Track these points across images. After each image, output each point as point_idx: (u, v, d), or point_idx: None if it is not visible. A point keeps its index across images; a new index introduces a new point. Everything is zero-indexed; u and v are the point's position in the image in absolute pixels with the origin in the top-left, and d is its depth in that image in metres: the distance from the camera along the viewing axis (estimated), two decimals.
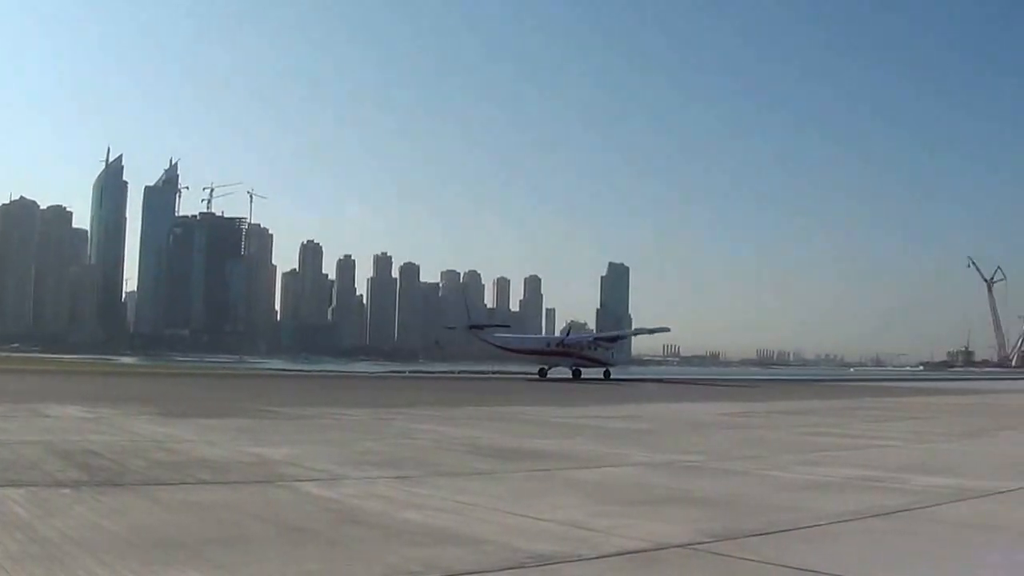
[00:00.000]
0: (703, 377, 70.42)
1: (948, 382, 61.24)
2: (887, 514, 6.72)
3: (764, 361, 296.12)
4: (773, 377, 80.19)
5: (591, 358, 53.79)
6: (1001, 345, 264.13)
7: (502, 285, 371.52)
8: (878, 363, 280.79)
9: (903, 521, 6.48)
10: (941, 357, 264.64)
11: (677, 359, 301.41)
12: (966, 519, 6.55)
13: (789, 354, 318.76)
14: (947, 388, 44.12)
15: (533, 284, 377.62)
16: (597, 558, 5.09)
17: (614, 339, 59.32)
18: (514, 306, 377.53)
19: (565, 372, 52.05)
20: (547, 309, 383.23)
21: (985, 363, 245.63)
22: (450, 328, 70.83)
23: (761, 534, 5.95)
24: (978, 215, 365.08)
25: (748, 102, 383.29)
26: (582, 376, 51.08)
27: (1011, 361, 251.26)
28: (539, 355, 54.63)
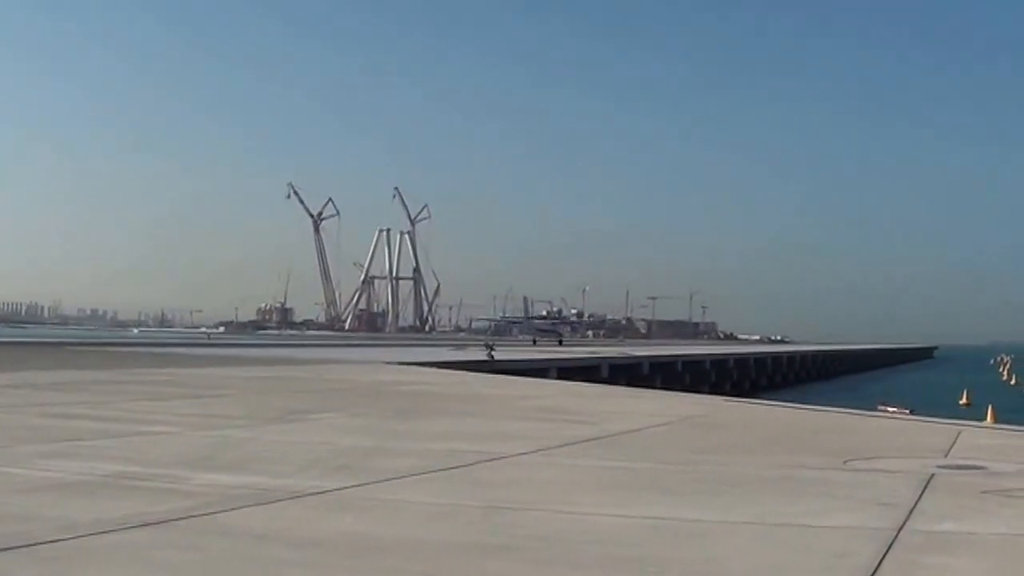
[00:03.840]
0: None
1: (256, 348, 66.91)
2: (159, 523, 7.45)
3: (6, 318, 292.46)
4: (14, 339, 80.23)
5: (559, 333, 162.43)
6: (331, 302, 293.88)
7: None
8: (164, 322, 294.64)
9: (181, 532, 7.25)
10: (250, 316, 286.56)
11: None
12: (266, 529, 7.47)
13: (43, 308, 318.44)
14: (253, 356, 48.20)
15: None
16: None
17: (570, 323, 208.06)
18: None
19: None
20: None
21: (310, 323, 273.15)
22: (547, 325, 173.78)
23: None
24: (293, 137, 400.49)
25: None
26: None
27: (344, 322, 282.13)
28: (544, 333, 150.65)
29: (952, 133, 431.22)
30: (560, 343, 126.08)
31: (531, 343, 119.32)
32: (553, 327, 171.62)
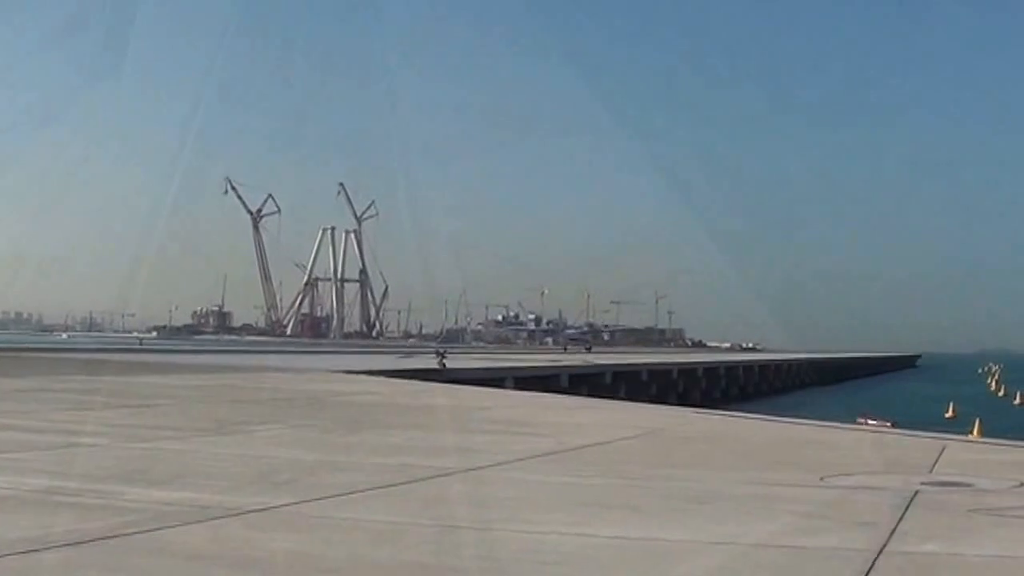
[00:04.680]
0: None
1: (192, 355, 66.71)
2: (89, 541, 7.43)
3: None
4: None
5: (588, 342, 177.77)
6: (272, 305, 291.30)
7: None
8: (92, 326, 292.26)
9: (113, 552, 7.24)
10: (185, 319, 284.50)
11: None
12: (203, 549, 7.48)
13: None
14: (189, 363, 48.04)
15: None
16: None
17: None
18: None
19: None
20: None
21: (248, 328, 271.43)
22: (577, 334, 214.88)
23: None
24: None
25: None
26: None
27: (286, 327, 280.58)
28: (575, 342, 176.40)
29: (950, 135, 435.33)
30: (588, 350, 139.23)
31: (562, 350, 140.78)
32: (583, 335, 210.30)
